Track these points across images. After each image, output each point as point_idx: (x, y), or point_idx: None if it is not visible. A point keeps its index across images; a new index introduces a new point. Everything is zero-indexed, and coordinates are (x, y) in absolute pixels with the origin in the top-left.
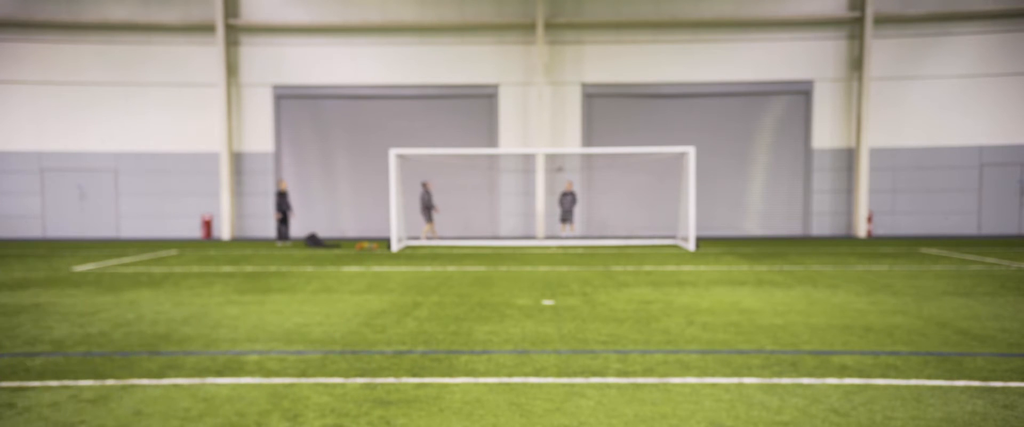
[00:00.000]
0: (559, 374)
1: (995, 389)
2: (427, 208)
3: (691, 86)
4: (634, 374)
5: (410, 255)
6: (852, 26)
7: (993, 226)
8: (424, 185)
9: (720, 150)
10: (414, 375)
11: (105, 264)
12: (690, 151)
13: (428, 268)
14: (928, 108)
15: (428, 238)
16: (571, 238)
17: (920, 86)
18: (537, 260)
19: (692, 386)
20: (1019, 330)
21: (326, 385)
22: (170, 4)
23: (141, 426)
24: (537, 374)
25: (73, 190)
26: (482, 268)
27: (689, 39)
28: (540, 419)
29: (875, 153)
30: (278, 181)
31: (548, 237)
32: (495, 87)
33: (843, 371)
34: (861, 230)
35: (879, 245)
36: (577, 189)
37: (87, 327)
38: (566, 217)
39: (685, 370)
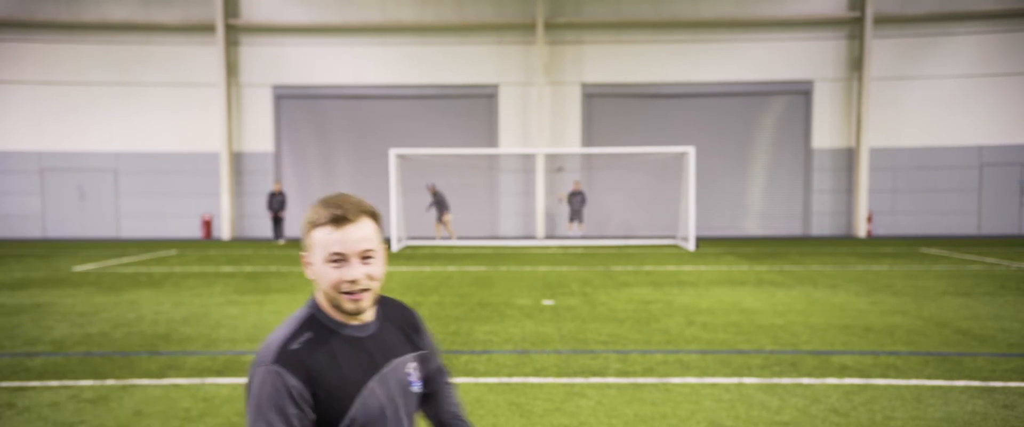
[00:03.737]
0: (559, 374)
1: (995, 389)
2: (440, 205)
3: (691, 86)
4: (634, 374)
5: (410, 255)
6: (852, 26)
7: (993, 226)
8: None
9: (720, 150)
10: None
11: (105, 264)
12: (690, 151)
13: (428, 268)
14: (928, 108)
15: (444, 238)
16: (579, 237)
17: (920, 86)
18: (537, 260)
19: (692, 386)
20: (1019, 330)
21: None
22: (170, 4)
23: (141, 426)
24: (537, 374)
25: (73, 190)
26: (482, 268)
27: (689, 39)
28: (540, 419)
29: (875, 153)
30: (275, 182)
31: (548, 237)
32: (495, 87)
33: (843, 371)
34: (861, 230)
35: (879, 245)
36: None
37: (87, 327)
38: (575, 216)
39: (685, 370)
